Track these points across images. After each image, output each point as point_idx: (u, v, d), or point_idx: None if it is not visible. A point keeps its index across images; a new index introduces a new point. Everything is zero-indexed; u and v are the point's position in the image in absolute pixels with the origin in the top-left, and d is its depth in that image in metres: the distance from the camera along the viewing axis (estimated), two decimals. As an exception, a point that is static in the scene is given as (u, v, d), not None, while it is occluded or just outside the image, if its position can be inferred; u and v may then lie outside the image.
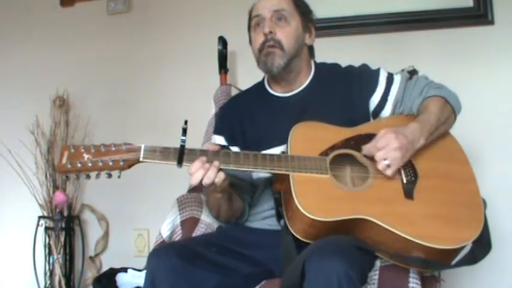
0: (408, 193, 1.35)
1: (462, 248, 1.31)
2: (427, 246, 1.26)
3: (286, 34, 1.53)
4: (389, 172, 1.34)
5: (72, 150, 1.31)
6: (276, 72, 1.55)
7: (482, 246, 1.33)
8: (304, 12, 1.60)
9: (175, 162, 1.32)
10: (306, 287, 1.16)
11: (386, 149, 1.33)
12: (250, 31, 1.62)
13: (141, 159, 1.32)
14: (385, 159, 1.33)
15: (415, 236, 1.27)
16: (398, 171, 1.37)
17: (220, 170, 1.33)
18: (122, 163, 1.30)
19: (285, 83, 1.60)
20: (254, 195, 1.61)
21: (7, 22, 2.73)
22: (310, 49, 1.65)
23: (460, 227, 1.31)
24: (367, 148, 1.38)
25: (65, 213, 2.43)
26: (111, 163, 1.30)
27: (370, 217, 1.28)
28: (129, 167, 1.32)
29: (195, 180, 1.31)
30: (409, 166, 1.39)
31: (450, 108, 1.50)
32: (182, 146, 1.32)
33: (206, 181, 1.31)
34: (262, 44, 1.53)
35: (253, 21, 1.58)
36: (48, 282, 2.41)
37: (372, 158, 1.38)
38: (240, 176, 1.56)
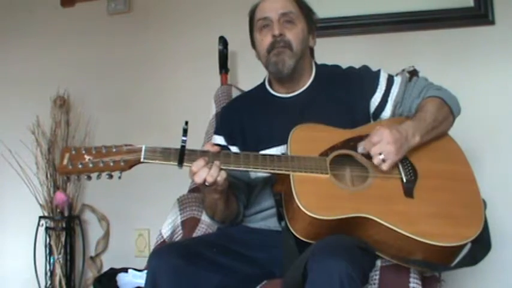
0: (408, 192, 1.35)
1: (462, 246, 1.31)
2: (427, 244, 1.26)
3: (295, 36, 1.54)
4: (384, 167, 1.34)
5: (73, 152, 1.31)
6: (286, 73, 1.55)
7: (481, 246, 1.33)
8: (308, 14, 1.61)
9: (176, 163, 1.33)
10: (308, 287, 1.16)
11: (381, 143, 1.34)
12: (255, 33, 1.61)
13: (142, 159, 1.33)
14: (380, 154, 1.33)
15: (415, 233, 1.27)
16: (398, 170, 1.38)
17: (221, 169, 1.34)
18: (122, 164, 1.31)
19: (289, 84, 1.61)
20: (251, 195, 1.61)
21: (8, 22, 2.73)
22: (311, 50, 1.66)
23: (461, 225, 1.31)
24: (362, 144, 1.38)
25: (66, 213, 2.43)
26: (112, 164, 1.30)
27: (370, 215, 1.28)
28: (130, 167, 1.32)
29: (198, 179, 1.31)
30: (408, 166, 1.40)
31: (448, 109, 1.50)
32: (183, 147, 1.33)
33: (209, 179, 1.31)
34: (271, 45, 1.54)
35: (258, 24, 1.58)
36: (49, 282, 2.41)
37: (368, 156, 1.38)
38: (237, 176, 1.56)
